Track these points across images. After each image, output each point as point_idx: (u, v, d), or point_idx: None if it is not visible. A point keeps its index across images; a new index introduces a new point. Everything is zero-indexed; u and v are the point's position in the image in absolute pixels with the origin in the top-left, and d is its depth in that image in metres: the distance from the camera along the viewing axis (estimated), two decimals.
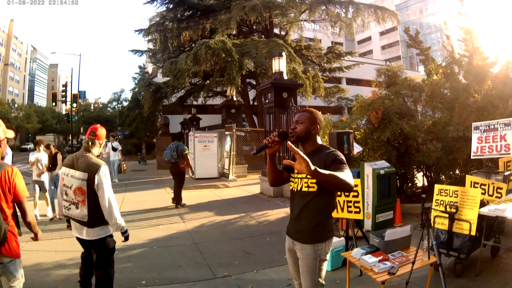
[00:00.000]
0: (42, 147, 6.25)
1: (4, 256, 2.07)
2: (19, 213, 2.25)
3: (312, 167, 1.56)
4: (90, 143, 2.76)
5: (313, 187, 1.87)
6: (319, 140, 2.01)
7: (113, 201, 2.63)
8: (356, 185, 3.65)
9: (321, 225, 1.90)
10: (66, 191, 2.68)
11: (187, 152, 7.16)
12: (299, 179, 1.95)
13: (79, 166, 2.64)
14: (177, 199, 7.08)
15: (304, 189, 1.90)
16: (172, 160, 7.01)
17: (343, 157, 1.86)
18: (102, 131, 2.85)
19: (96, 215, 2.60)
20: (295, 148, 1.57)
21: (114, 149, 10.94)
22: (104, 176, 2.61)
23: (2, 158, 2.34)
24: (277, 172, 2.03)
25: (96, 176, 2.57)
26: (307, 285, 1.90)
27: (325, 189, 1.79)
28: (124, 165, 11.45)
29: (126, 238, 2.75)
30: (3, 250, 2.06)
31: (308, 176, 1.83)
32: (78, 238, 2.78)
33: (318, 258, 1.88)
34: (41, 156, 6.13)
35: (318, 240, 1.89)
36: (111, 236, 2.76)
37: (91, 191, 2.59)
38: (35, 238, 2.43)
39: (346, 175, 1.70)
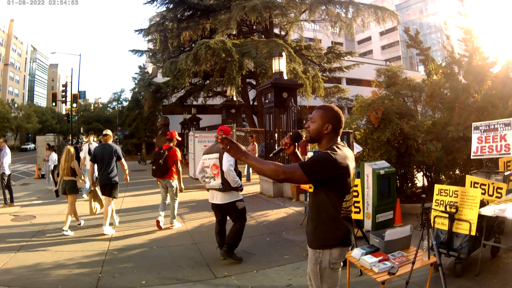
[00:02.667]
0: None
1: (169, 179, 5.32)
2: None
3: (244, 156, 1.71)
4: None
5: (311, 187, 1.80)
6: (338, 140, 1.84)
7: (231, 168, 3.71)
8: (356, 185, 3.65)
9: (323, 229, 1.77)
10: (206, 170, 3.99)
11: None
12: None
13: (213, 150, 4.00)
14: None
15: (310, 189, 1.87)
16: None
17: (321, 158, 1.69)
18: (227, 128, 4.21)
19: (226, 183, 3.79)
20: (229, 139, 1.75)
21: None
22: (228, 155, 3.78)
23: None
24: None
25: (224, 154, 3.82)
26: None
27: (323, 186, 1.71)
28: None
29: (241, 190, 3.98)
30: (167, 176, 5.28)
31: None
32: (214, 205, 4.00)
33: (318, 264, 1.77)
34: None
35: (319, 246, 1.78)
36: (240, 200, 3.96)
37: (222, 166, 3.81)
38: (180, 190, 5.53)
39: (277, 164, 1.67)
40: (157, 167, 5.24)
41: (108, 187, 5.21)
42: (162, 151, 5.30)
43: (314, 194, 1.79)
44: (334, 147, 1.77)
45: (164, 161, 5.21)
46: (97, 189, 5.44)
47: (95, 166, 5.28)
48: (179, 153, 5.32)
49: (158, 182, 5.49)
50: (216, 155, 3.89)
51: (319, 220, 1.79)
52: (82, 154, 7.92)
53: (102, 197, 5.40)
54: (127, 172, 5.64)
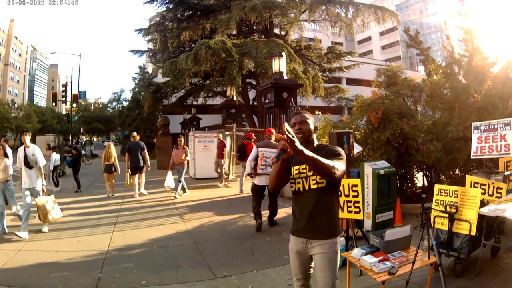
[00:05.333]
0: None
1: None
2: None
3: (300, 147, 1.64)
4: (269, 136, 5.56)
5: (322, 182, 1.92)
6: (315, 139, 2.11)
7: None
8: (356, 185, 3.65)
9: (335, 218, 2.01)
10: (265, 159, 5.19)
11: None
12: (305, 178, 1.98)
13: (273, 146, 5.27)
14: None
15: (313, 186, 1.95)
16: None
17: (343, 152, 1.96)
18: (272, 130, 5.80)
19: None
20: (287, 134, 1.60)
21: (28, 165, 4.96)
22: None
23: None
24: (283, 176, 2.02)
25: None
26: (329, 278, 1.92)
27: (336, 182, 1.91)
28: (47, 211, 4.96)
29: None
30: (245, 160, 6.63)
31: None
32: (257, 185, 5.31)
33: (337, 251, 1.97)
34: None
35: (337, 232, 2.00)
36: None
37: None
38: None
39: (332, 162, 1.80)
40: (240, 154, 8.20)
41: (139, 168, 8.19)
42: (243, 145, 8.33)
43: (328, 187, 1.94)
44: (326, 144, 2.06)
45: (244, 151, 7.95)
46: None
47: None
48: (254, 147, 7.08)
49: (240, 164, 8.82)
50: (276, 149, 5.10)
51: (333, 210, 2.00)
52: (17, 162, 5.07)
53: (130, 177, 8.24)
54: (148, 160, 8.35)
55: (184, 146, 8.45)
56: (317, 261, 1.95)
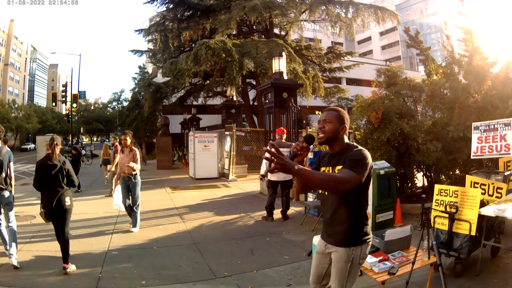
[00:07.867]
0: None
1: None
2: None
3: (290, 165, 1.48)
4: (281, 136, 6.08)
5: None
6: (346, 139, 1.93)
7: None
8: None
9: (355, 227, 1.85)
10: None
11: None
12: None
13: (284, 145, 5.67)
14: None
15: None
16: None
17: (364, 156, 1.75)
18: (283, 131, 6.22)
19: None
20: (275, 152, 1.48)
21: None
22: None
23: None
24: None
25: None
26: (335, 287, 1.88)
27: (356, 189, 1.73)
28: None
29: None
30: None
31: None
32: (272, 181, 5.75)
33: (350, 262, 1.83)
34: None
35: (353, 243, 1.84)
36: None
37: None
38: None
39: (335, 174, 1.70)
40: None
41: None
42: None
43: (346, 194, 1.77)
44: (354, 145, 1.85)
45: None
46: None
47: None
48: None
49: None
50: (288, 149, 5.70)
51: (353, 218, 1.84)
52: None
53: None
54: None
55: (133, 147, 5.43)
56: (331, 266, 1.94)
